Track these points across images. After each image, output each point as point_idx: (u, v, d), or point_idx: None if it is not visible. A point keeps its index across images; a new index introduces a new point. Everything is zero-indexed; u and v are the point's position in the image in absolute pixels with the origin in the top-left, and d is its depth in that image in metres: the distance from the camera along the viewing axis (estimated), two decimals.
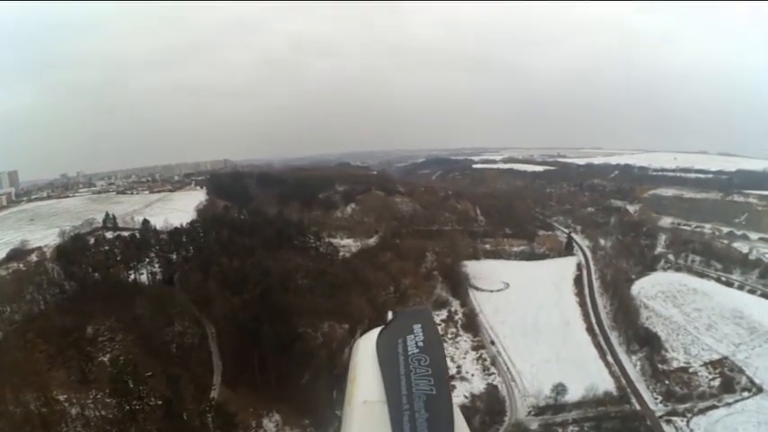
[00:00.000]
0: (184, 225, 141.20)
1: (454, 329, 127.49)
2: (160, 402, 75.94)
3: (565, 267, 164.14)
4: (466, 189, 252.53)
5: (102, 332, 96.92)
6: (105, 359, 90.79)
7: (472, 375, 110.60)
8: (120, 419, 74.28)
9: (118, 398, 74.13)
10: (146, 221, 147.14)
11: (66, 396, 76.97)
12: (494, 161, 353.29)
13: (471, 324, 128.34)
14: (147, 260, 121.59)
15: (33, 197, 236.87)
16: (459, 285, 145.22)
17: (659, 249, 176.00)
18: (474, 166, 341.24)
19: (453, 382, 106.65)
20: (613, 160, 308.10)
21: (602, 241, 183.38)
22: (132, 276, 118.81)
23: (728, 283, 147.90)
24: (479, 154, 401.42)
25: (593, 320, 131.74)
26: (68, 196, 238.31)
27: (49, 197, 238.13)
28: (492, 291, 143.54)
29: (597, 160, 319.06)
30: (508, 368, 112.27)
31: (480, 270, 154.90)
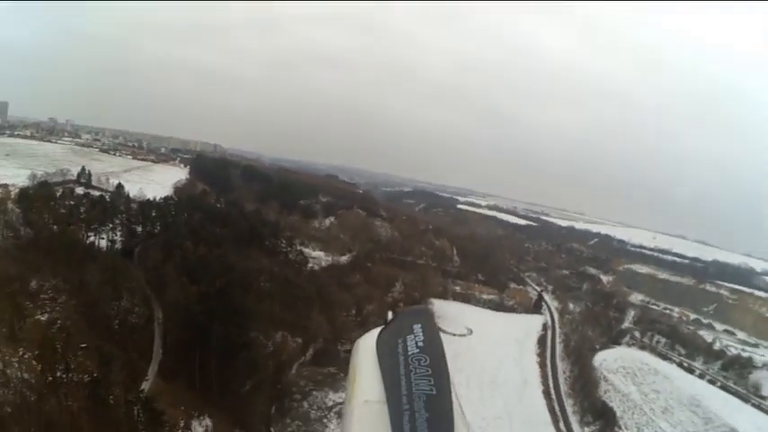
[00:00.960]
0: (158, 199, 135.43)
1: None
2: (87, 379, 70.43)
3: (531, 325, 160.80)
4: (447, 227, 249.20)
5: (45, 289, 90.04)
6: (43, 318, 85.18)
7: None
8: (43, 386, 68.46)
9: (44, 363, 68.17)
10: (120, 186, 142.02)
11: None
12: (478, 205, 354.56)
13: None
14: (111, 226, 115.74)
15: (16, 133, 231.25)
16: None
17: (626, 324, 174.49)
18: (459, 206, 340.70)
19: None
20: (594, 228, 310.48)
21: (571, 305, 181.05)
22: (91, 239, 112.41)
23: (690, 370, 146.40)
24: (465, 195, 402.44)
25: (551, 384, 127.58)
26: (51, 141, 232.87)
27: (32, 137, 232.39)
28: (455, 335, 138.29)
29: (579, 225, 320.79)
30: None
31: (447, 311, 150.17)
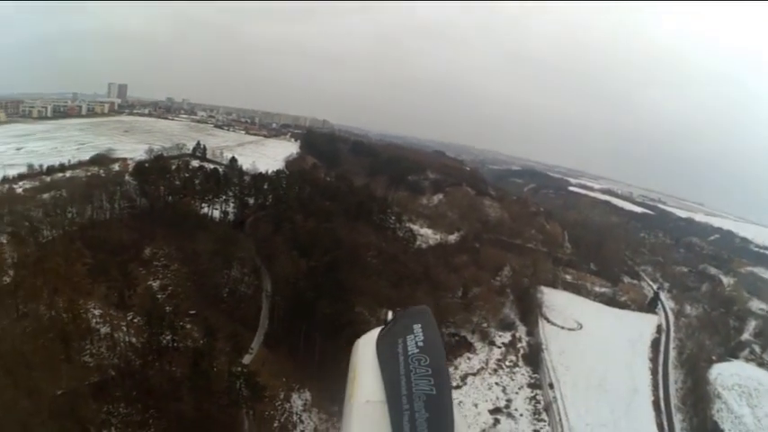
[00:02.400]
0: (270, 172, 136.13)
1: (514, 358, 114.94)
2: (192, 346, 69.91)
3: (644, 325, 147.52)
4: (557, 210, 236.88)
5: (158, 257, 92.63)
6: (154, 284, 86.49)
7: (521, 415, 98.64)
8: (148, 352, 68.50)
9: (153, 328, 68.07)
10: (233, 159, 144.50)
11: (101, 312, 71.96)
12: (591, 188, 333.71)
13: (533, 358, 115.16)
14: (224, 198, 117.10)
15: (135, 111, 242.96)
16: (530, 311, 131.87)
17: (746, 336, 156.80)
18: (570, 188, 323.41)
19: (498, 415, 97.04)
20: (715, 222, 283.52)
21: (688, 308, 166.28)
22: (205, 210, 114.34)
23: None
24: (577, 177, 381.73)
25: (662, 395, 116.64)
26: (168, 118, 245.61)
27: (150, 115, 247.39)
28: (563, 328, 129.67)
29: (698, 217, 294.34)
30: (560, 420, 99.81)
31: (555, 301, 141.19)
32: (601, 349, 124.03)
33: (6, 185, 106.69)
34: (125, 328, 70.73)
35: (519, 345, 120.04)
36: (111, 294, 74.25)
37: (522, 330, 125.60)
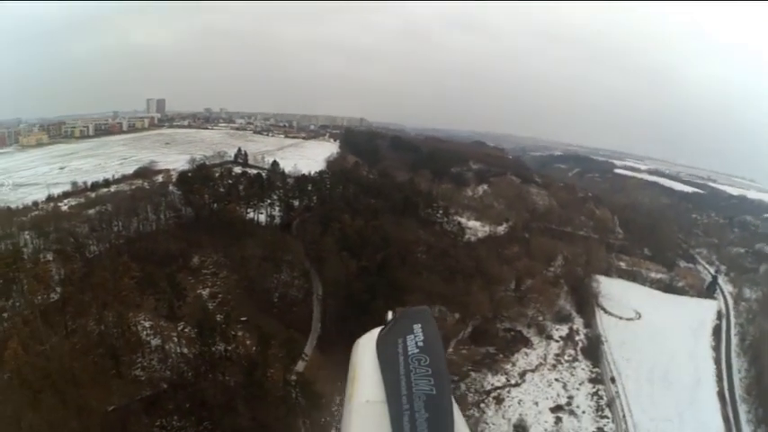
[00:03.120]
0: (313, 173, 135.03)
1: (572, 352, 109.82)
2: (245, 354, 67.92)
3: (704, 312, 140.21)
4: (605, 194, 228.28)
5: (207, 265, 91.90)
6: (204, 293, 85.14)
7: (583, 412, 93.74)
8: (201, 363, 66.63)
9: (205, 338, 66.12)
10: (275, 163, 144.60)
11: (152, 323, 70.45)
12: (638, 169, 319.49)
13: (592, 351, 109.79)
14: (269, 202, 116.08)
15: (174, 124, 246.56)
16: (586, 302, 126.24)
17: None
18: (616, 170, 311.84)
19: (559, 413, 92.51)
20: None
21: (746, 291, 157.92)
22: (250, 215, 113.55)
23: None
24: (621, 158, 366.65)
25: (726, 385, 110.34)
26: (207, 128, 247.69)
27: (189, 126, 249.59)
28: (621, 318, 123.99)
29: (751, 194, 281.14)
30: (624, 416, 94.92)
31: (611, 290, 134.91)
32: (661, 339, 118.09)
33: (52, 204, 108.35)
34: (176, 339, 69.37)
35: (577, 338, 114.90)
36: (160, 306, 72.75)
37: (578, 322, 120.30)
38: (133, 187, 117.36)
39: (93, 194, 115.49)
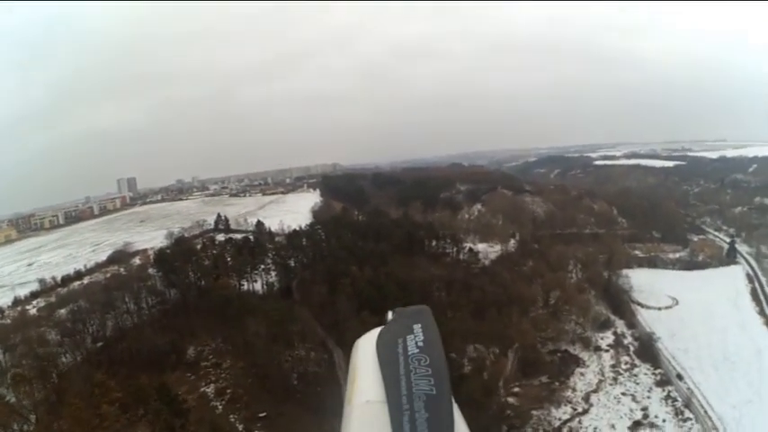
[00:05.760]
0: (303, 227, 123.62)
1: (628, 358, 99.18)
2: None
3: (733, 279, 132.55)
4: (593, 188, 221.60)
5: (205, 355, 78.37)
6: (209, 390, 73.48)
7: (664, 421, 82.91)
8: None
9: None
10: (260, 223, 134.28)
11: None
12: (614, 157, 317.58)
13: (647, 351, 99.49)
14: (263, 267, 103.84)
15: (148, 200, 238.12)
16: (620, 301, 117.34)
17: None
18: (594, 163, 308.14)
19: (640, 430, 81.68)
20: (747, 152, 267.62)
21: (763, 247, 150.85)
22: (245, 286, 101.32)
23: None
24: (594, 150, 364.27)
25: None
26: (182, 199, 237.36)
27: (162, 200, 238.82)
28: (660, 308, 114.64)
29: (730, 153, 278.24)
30: (706, 411, 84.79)
31: (637, 281, 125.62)
32: (707, 319, 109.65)
33: (19, 308, 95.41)
34: None
35: (626, 341, 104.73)
36: (157, 429, 57.37)
37: (620, 324, 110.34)
38: (108, 276, 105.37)
39: (63, 290, 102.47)
